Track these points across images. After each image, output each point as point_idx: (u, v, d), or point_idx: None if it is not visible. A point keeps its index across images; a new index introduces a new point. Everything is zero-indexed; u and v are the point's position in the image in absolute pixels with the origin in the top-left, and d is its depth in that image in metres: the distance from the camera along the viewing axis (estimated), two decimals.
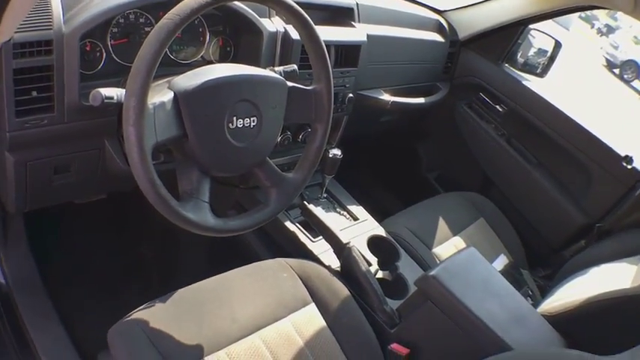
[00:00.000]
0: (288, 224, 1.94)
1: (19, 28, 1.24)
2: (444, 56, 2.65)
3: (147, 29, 1.53)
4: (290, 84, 1.36)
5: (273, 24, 1.74)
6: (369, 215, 2.09)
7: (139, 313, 1.35)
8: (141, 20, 1.52)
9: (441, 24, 2.63)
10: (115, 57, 1.49)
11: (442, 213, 2.26)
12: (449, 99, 2.69)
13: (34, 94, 1.31)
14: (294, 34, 1.76)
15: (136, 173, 1.11)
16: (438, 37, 2.59)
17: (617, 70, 15.77)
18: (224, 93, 1.22)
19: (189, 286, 1.47)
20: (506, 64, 2.63)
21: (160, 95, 1.16)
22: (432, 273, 1.44)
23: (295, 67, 1.51)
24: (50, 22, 1.29)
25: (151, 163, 1.11)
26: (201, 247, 2.29)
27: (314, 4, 1.93)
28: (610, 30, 19.13)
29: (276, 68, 1.48)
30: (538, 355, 1.05)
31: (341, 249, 1.76)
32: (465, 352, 1.38)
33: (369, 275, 1.66)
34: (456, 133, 2.79)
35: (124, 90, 1.14)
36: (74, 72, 1.34)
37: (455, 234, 2.20)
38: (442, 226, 2.20)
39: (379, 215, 2.14)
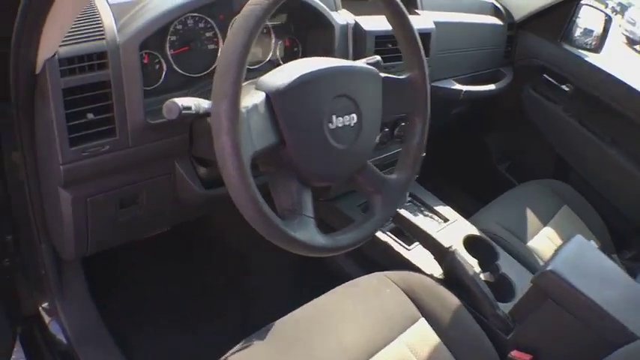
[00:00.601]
0: (379, 234, 1.69)
1: (64, 41, 1.01)
2: (504, 40, 2.42)
3: (208, 34, 1.29)
4: (382, 74, 1.14)
5: (342, 17, 1.48)
6: (458, 214, 1.86)
7: (238, 354, 1.13)
8: (200, 25, 1.28)
9: (497, 6, 2.40)
10: (176, 68, 1.25)
11: (527, 204, 2.03)
12: (512, 84, 2.45)
13: (90, 116, 1.08)
14: (367, 26, 1.52)
15: (235, 191, 0.89)
16: (496, 21, 2.36)
17: (638, 47, 15.16)
18: (321, 88, 1.01)
19: (286, 317, 1.25)
20: (564, 43, 2.40)
21: (250, 97, 0.94)
22: (551, 268, 1.25)
23: (379, 57, 1.28)
24: (101, 31, 1.05)
25: (252, 177, 0.89)
26: (278, 269, 2.03)
27: None
28: (623, 8, 18.47)
29: (359, 61, 1.25)
30: None
31: (443, 254, 1.53)
32: (592, 347, 1.20)
33: (477, 280, 1.45)
34: (523, 118, 2.55)
35: (201, 99, 0.96)
36: (136, 86, 1.11)
37: (544, 225, 1.96)
38: (531, 218, 1.97)
39: (458, 213, 1.91)
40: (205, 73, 1.29)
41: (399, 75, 1.19)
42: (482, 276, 1.56)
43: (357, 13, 1.55)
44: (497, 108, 2.60)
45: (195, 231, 1.77)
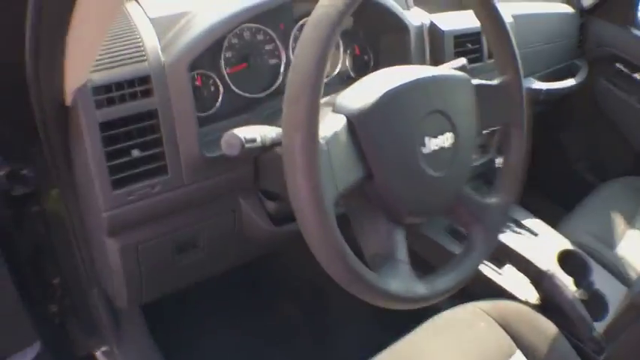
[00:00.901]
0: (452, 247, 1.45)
1: (97, 65, 0.78)
2: (576, 29, 2.10)
3: (268, 47, 1.05)
4: (475, 81, 0.89)
5: (416, 16, 1.21)
6: (546, 226, 1.59)
7: None
8: (259, 37, 1.03)
9: None
10: (234, 89, 1.00)
11: (613, 207, 1.77)
12: (586, 76, 2.14)
13: (136, 153, 0.85)
14: (444, 25, 1.25)
15: (315, 245, 0.67)
16: (567, 8, 2.05)
17: None
18: (410, 105, 0.78)
19: None
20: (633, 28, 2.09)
21: (328, 123, 0.72)
22: None
23: (465, 61, 1.02)
24: (142, 51, 0.82)
25: (336, 225, 0.67)
26: (357, 303, 1.74)
27: None
28: None
29: (443, 67, 1.01)
30: None
31: (539, 278, 1.32)
32: None
33: (576, 303, 1.25)
34: (597, 113, 2.24)
35: (266, 127, 0.76)
36: (188, 114, 0.87)
37: (631, 227, 1.70)
38: (618, 222, 1.71)
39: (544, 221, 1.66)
40: (268, 92, 1.04)
41: (488, 80, 0.94)
42: (577, 294, 1.35)
43: (428, 10, 1.28)
44: (571, 103, 2.29)
45: (264, 263, 1.53)
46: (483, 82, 0.91)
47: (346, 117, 0.72)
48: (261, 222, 1.03)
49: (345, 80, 1.15)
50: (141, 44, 0.82)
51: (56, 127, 0.86)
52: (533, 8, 1.83)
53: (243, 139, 0.72)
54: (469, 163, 0.88)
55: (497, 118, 0.96)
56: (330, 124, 0.71)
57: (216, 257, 1.09)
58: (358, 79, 1.14)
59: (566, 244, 1.50)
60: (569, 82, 1.95)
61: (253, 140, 0.73)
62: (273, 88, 1.04)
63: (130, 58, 0.81)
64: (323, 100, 0.77)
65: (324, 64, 0.64)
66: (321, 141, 0.67)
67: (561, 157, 2.41)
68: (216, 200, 0.99)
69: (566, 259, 1.45)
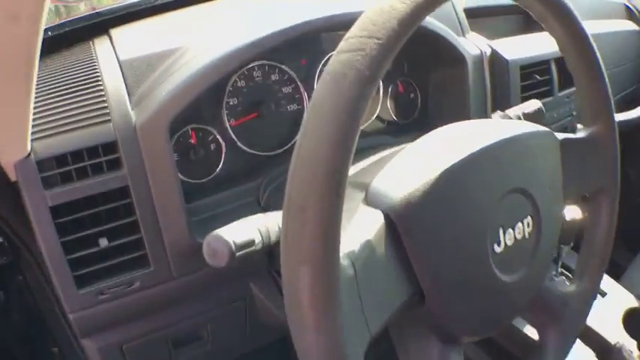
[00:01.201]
0: (527, 329, 1.12)
1: (41, 131, 0.56)
2: None
3: (286, 90, 0.79)
4: (560, 136, 0.62)
5: (474, 43, 0.93)
6: (612, 280, 1.33)
7: None
8: (273, 77, 0.78)
9: (629, 8, 1.79)
10: (241, 146, 0.75)
11: None
12: None
13: (104, 243, 0.61)
14: (507, 53, 0.96)
15: None
16: (632, 26, 1.76)
17: None
18: (480, 187, 0.50)
19: None
20: None
21: (357, 225, 0.45)
22: None
23: (540, 104, 0.78)
24: (104, 108, 0.59)
25: None
26: None
27: (502, 6, 1.15)
28: None
29: (510, 112, 0.75)
30: None
31: (607, 351, 1.10)
32: None
33: None
34: None
35: (271, 216, 0.55)
36: (172, 188, 0.63)
37: None
38: None
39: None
40: (286, 148, 0.79)
41: (573, 132, 0.66)
42: (635, 356, 1.14)
43: (487, 35, 1.01)
44: (635, 131, 2.00)
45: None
46: (570, 136, 0.64)
47: (384, 214, 0.46)
48: (276, 310, 0.79)
49: (385, 126, 0.89)
50: (104, 98, 0.58)
51: (4, 206, 0.63)
52: (597, 27, 1.54)
53: (233, 246, 0.48)
54: (552, 249, 0.61)
55: (585, 185, 0.68)
56: (360, 228, 0.45)
57: (224, 348, 0.85)
58: (403, 123, 0.88)
59: (632, 301, 1.27)
60: (638, 112, 1.66)
61: (250, 244, 0.50)
62: (293, 142, 0.79)
63: (89, 117, 0.57)
64: (350, 177, 0.51)
65: (349, 146, 0.36)
66: (344, 262, 0.41)
67: (626, 191, 2.11)
68: (220, 288, 0.74)
69: (630, 319, 1.23)
